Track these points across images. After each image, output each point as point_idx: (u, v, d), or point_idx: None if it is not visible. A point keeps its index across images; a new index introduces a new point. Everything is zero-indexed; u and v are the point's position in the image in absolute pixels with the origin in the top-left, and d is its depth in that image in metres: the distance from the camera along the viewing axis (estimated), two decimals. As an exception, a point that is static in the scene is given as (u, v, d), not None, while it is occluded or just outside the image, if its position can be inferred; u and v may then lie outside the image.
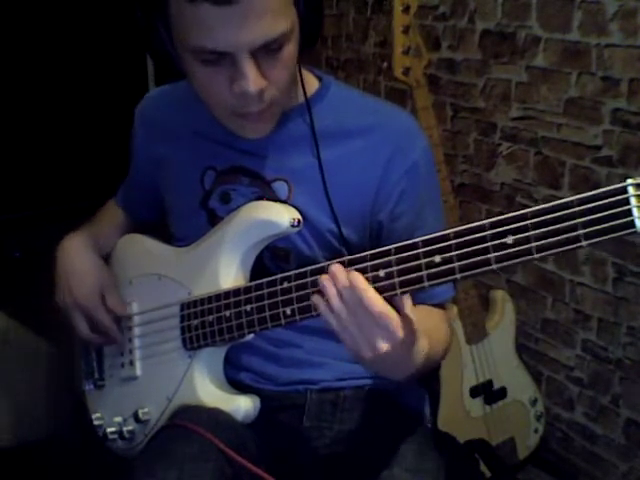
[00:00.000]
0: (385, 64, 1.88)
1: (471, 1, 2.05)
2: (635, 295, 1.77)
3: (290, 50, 0.92)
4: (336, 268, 0.85)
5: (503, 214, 0.76)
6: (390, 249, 0.85)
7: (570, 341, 1.96)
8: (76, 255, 1.18)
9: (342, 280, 0.84)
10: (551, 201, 0.73)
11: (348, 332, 0.84)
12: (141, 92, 1.24)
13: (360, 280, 0.83)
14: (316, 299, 0.87)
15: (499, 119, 2.03)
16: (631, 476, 1.88)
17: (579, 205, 0.72)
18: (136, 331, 1.15)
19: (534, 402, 1.97)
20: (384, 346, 0.83)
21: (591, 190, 0.71)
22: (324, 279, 0.86)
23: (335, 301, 0.84)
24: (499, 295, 1.92)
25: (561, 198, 0.73)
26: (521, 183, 1.99)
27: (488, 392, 1.88)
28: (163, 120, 1.16)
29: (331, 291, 0.85)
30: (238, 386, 1.09)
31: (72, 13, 2.46)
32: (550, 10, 1.82)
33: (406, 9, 1.65)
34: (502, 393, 1.91)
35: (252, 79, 0.89)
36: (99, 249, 1.22)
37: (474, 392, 1.86)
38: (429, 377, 1.22)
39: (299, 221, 0.98)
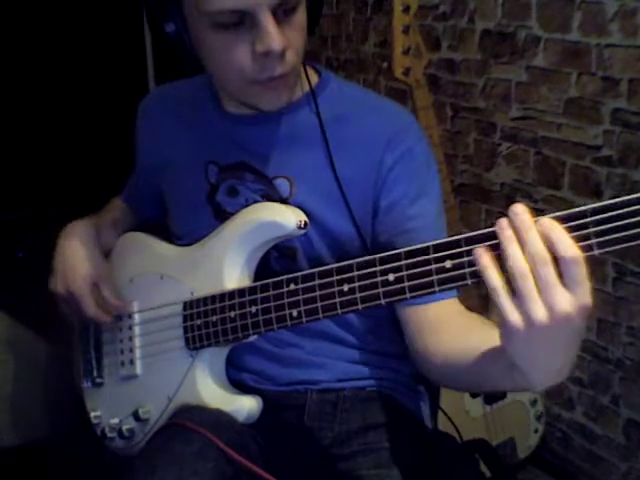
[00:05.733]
0: (385, 64, 1.88)
1: (471, 1, 2.05)
2: (635, 295, 1.77)
3: (302, 17, 0.94)
4: (520, 207, 0.70)
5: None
6: (400, 253, 0.82)
7: (570, 341, 1.96)
8: (76, 242, 1.18)
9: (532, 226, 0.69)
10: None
11: (528, 293, 0.68)
12: (141, 92, 1.24)
13: (557, 224, 0.69)
14: (480, 253, 0.72)
15: (499, 119, 2.03)
16: (631, 476, 1.89)
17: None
18: (137, 330, 1.14)
19: (534, 402, 1.97)
20: (567, 308, 0.67)
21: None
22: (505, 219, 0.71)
23: (516, 251, 0.69)
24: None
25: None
26: (521, 183, 1.98)
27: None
28: (165, 115, 1.17)
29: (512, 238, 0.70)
30: (239, 386, 1.09)
31: (72, 12, 2.46)
32: (550, 10, 1.83)
33: (406, 9, 1.65)
34: (502, 393, 1.90)
35: (276, 35, 0.89)
36: (100, 242, 1.22)
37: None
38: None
39: (306, 223, 0.98)
